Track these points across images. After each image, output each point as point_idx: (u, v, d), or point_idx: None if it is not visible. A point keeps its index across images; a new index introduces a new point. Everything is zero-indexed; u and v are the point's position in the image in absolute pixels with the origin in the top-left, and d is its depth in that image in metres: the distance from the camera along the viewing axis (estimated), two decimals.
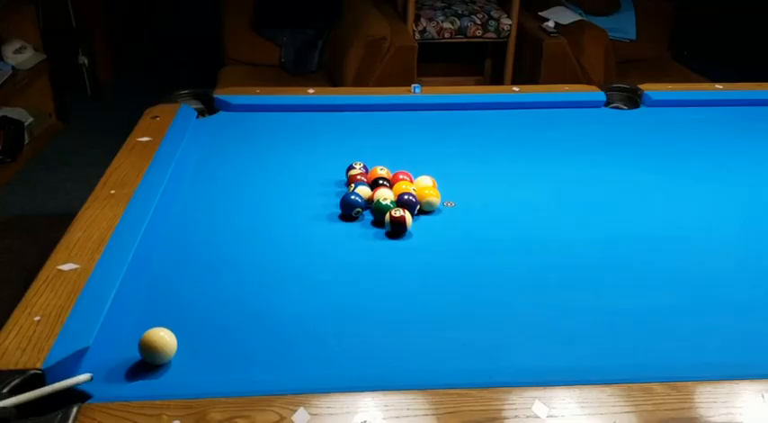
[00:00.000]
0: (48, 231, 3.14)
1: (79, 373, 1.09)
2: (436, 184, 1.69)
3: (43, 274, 1.31)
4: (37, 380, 1.06)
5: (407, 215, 1.54)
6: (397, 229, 1.54)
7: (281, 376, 1.12)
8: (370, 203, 1.63)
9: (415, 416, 1.02)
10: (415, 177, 1.72)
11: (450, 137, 2.08)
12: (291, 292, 1.35)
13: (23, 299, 1.23)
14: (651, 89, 2.34)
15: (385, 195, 1.62)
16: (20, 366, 1.07)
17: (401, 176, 1.72)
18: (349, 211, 1.61)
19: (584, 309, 1.32)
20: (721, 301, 1.35)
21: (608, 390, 1.07)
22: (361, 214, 1.61)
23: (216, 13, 4.19)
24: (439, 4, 4.10)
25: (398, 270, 1.44)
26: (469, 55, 4.42)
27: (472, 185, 1.78)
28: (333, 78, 3.76)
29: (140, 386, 1.09)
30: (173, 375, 1.12)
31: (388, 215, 1.55)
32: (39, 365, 1.07)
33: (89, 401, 1.03)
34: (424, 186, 1.66)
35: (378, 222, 1.59)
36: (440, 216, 1.64)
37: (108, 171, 1.73)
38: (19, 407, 1.00)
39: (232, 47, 4.03)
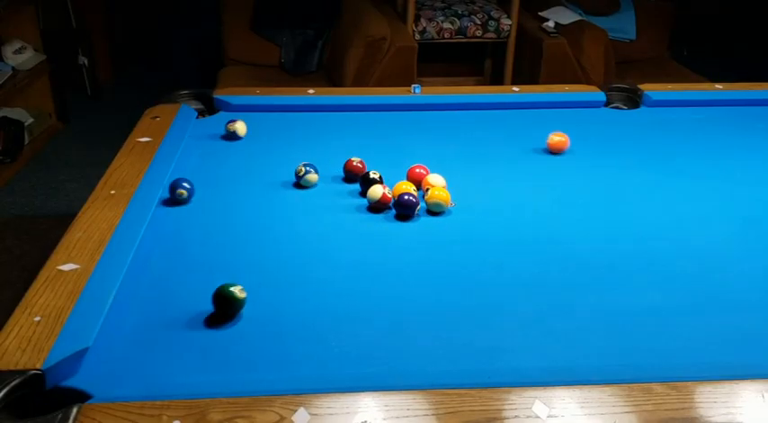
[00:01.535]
0: (48, 232, 3.14)
1: (79, 374, 1.09)
2: (445, 186, 1.70)
3: (43, 274, 1.31)
4: (37, 380, 1.06)
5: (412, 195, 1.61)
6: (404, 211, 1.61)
7: (281, 376, 1.12)
8: (376, 202, 1.64)
9: (415, 416, 1.02)
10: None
11: (449, 137, 2.08)
12: (291, 292, 1.35)
13: (23, 299, 1.23)
14: (651, 89, 2.34)
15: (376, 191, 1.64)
16: (20, 367, 1.07)
17: (417, 170, 1.74)
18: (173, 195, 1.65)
19: (584, 309, 1.32)
20: (721, 301, 1.35)
21: (608, 390, 1.07)
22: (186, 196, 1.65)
23: (216, 13, 4.19)
24: (439, 5, 4.10)
25: (399, 270, 1.44)
26: (469, 55, 4.42)
27: (472, 185, 1.78)
28: (333, 78, 3.76)
29: (140, 386, 1.09)
30: (173, 375, 1.12)
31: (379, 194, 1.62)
32: (39, 366, 1.07)
33: (89, 401, 1.03)
34: (435, 186, 1.67)
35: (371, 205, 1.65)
36: (440, 216, 1.64)
37: (108, 171, 1.73)
38: (19, 407, 1.01)
39: (232, 47, 4.03)
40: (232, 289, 1.26)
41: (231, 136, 2.01)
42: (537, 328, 1.26)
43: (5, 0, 3.73)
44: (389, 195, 1.63)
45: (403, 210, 1.61)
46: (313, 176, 1.76)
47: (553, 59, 3.75)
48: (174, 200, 1.65)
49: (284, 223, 1.61)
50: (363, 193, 1.69)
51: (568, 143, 1.96)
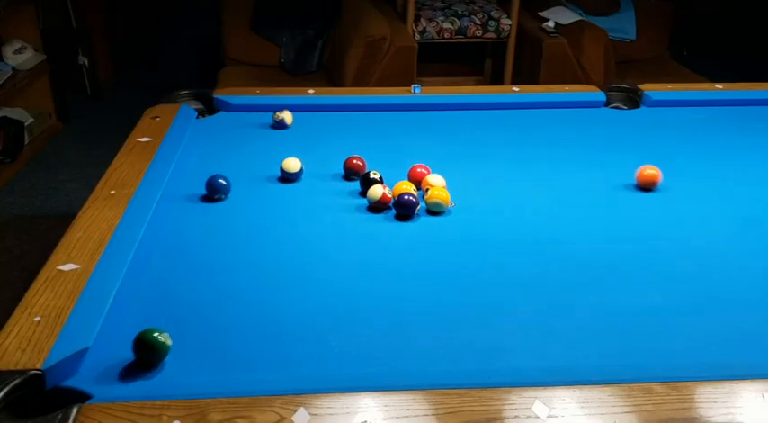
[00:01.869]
0: (48, 232, 3.14)
1: (79, 374, 1.09)
2: (445, 186, 1.70)
3: (43, 274, 1.31)
4: (37, 380, 1.06)
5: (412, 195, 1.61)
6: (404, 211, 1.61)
7: (281, 376, 1.12)
8: (376, 202, 1.64)
9: (415, 416, 1.02)
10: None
11: (449, 137, 2.08)
12: (291, 292, 1.35)
13: (23, 299, 1.23)
14: (651, 89, 2.34)
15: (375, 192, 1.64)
16: (20, 367, 1.07)
17: (419, 170, 1.74)
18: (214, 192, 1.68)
19: (584, 309, 1.32)
20: (721, 301, 1.35)
21: (608, 390, 1.07)
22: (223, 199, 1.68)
23: (216, 13, 4.20)
24: (439, 4, 4.10)
25: (399, 270, 1.44)
26: (469, 55, 4.42)
27: (472, 185, 1.78)
28: (333, 78, 3.76)
29: (140, 386, 1.09)
30: (173, 375, 1.12)
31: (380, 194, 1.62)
32: (39, 366, 1.07)
33: (89, 401, 1.03)
34: (435, 186, 1.67)
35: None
36: (440, 216, 1.64)
37: (108, 171, 1.73)
38: (19, 407, 1.01)
39: (232, 47, 4.03)
40: (156, 335, 1.13)
41: (279, 125, 2.07)
42: (537, 328, 1.26)
43: (5, 0, 3.73)
44: (389, 195, 1.63)
45: (403, 210, 1.61)
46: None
47: (553, 59, 3.75)
48: (211, 197, 1.68)
49: (284, 223, 1.61)
50: (363, 193, 1.69)
51: (660, 177, 1.77)
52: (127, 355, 1.15)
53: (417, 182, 1.72)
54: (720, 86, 2.38)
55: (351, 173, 1.79)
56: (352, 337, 1.22)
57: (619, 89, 2.34)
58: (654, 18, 4.30)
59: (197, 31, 5.11)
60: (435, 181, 1.70)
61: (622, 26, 4.24)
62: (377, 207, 1.64)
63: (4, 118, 3.79)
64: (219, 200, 1.67)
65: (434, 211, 1.64)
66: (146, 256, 1.42)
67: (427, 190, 1.66)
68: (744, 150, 2.00)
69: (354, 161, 1.79)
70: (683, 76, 3.90)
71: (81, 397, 1.05)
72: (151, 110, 2.12)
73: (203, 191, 1.71)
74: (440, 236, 1.56)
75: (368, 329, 1.25)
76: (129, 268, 1.35)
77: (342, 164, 1.81)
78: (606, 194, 1.76)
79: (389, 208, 1.65)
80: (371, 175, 1.70)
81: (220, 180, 1.68)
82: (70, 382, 1.08)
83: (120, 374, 1.11)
